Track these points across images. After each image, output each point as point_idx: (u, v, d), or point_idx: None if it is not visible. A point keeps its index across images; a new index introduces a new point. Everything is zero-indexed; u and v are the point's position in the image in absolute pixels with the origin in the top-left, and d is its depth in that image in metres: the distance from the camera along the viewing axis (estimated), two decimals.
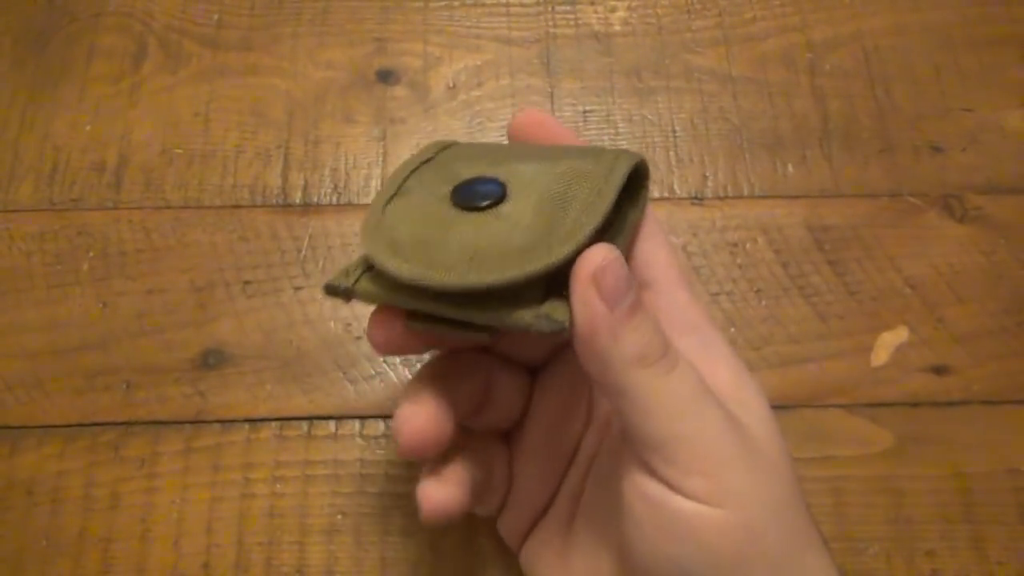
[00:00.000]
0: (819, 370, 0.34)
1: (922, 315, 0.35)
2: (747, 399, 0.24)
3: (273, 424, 0.33)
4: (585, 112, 0.39)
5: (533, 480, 0.27)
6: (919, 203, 0.37)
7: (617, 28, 0.41)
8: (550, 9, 0.42)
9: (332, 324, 0.35)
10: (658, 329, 0.22)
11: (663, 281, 0.25)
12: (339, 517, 0.31)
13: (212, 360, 0.34)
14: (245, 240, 0.36)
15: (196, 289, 0.35)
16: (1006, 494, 0.32)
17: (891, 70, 0.40)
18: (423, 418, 0.23)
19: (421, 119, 0.39)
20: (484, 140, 0.38)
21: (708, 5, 0.42)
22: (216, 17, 0.41)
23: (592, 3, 0.42)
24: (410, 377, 0.30)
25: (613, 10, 0.42)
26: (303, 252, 0.36)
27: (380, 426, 0.33)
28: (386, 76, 0.40)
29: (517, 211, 0.23)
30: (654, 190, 0.37)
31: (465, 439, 0.26)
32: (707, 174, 0.38)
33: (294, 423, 0.33)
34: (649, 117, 0.39)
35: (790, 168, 0.38)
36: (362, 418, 0.33)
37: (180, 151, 0.38)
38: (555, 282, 0.22)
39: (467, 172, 0.25)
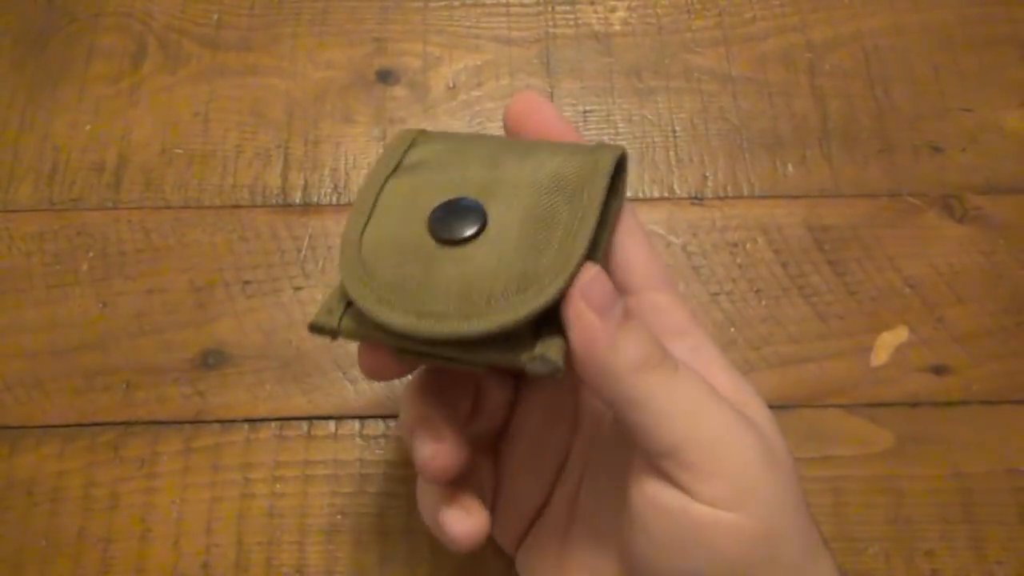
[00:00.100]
0: (819, 370, 0.34)
1: (922, 315, 0.35)
2: (748, 401, 0.24)
3: (273, 424, 0.33)
4: (585, 112, 0.39)
5: (522, 485, 0.27)
6: (919, 203, 0.37)
7: (617, 28, 0.41)
8: (550, 9, 0.42)
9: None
10: (654, 337, 0.22)
11: (644, 285, 0.25)
12: (339, 517, 0.31)
13: (212, 360, 0.34)
14: (245, 240, 0.36)
15: (196, 289, 0.35)
16: (1005, 494, 0.32)
17: (891, 70, 0.40)
18: (446, 454, 0.23)
19: (421, 119, 0.39)
20: None
21: (708, 5, 0.42)
22: (216, 17, 0.41)
23: (592, 3, 0.42)
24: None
25: (613, 10, 0.42)
26: (303, 252, 0.36)
27: (380, 426, 0.33)
28: (386, 76, 0.40)
29: (500, 237, 0.22)
30: (654, 190, 0.37)
31: None
32: (707, 174, 0.38)
33: (294, 423, 0.33)
34: (649, 117, 0.39)
35: (790, 168, 0.38)
36: (362, 418, 0.33)
37: (180, 151, 0.38)
38: (545, 313, 0.21)
39: (441, 189, 0.24)
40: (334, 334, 0.23)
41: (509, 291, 0.21)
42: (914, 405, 0.33)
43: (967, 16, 0.41)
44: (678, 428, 0.21)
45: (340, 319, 0.23)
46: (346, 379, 0.34)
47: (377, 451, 0.32)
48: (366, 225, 0.24)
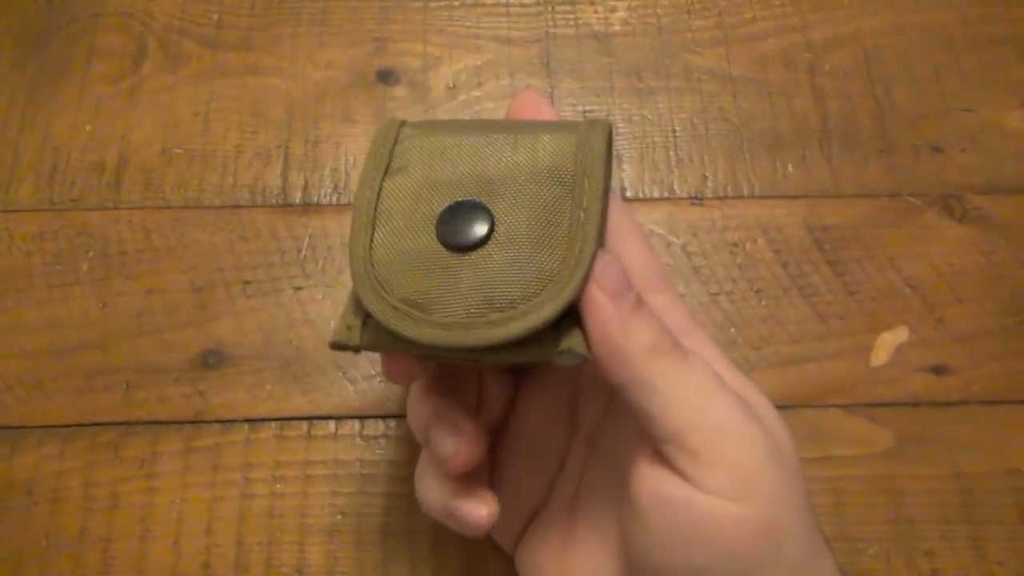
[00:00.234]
0: (819, 370, 0.34)
1: (922, 315, 0.35)
2: (754, 398, 0.24)
3: (273, 424, 0.33)
4: (585, 112, 0.39)
5: (520, 483, 0.27)
6: (919, 203, 0.37)
7: (617, 28, 0.41)
8: (550, 9, 0.42)
9: (332, 324, 0.35)
10: (666, 326, 0.22)
11: (642, 286, 0.25)
12: (339, 517, 0.31)
13: (212, 360, 0.34)
14: (245, 240, 0.36)
15: (196, 289, 0.35)
16: (1006, 494, 0.32)
17: (891, 70, 0.40)
18: (468, 447, 0.24)
19: (421, 119, 0.39)
20: None
21: (708, 5, 0.42)
22: (216, 17, 0.41)
23: (592, 3, 0.42)
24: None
25: (613, 10, 0.42)
26: (303, 252, 0.36)
27: (380, 426, 0.33)
28: (386, 76, 0.40)
29: (510, 238, 0.22)
30: (654, 190, 0.37)
31: None
32: (707, 174, 0.38)
33: (294, 423, 0.33)
34: (649, 117, 0.39)
35: (790, 168, 0.38)
36: (362, 418, 0.33)
37: (180, 151, 0.38)
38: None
39: (442, 190, 0.24)
40: (357, 349, 0.23)
41: (529, 293, 0.21)
42: (914, 405, 0.33)
43: (968, 16, 0.41)
44: (686, 413, 0.21)
45: (361, 334, 0.23)
46: (346, 379, 0.34)
47: (377, 451, 0.32)
48: (372, 235, 0.24)
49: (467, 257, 0.22)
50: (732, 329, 0.34)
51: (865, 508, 0.31)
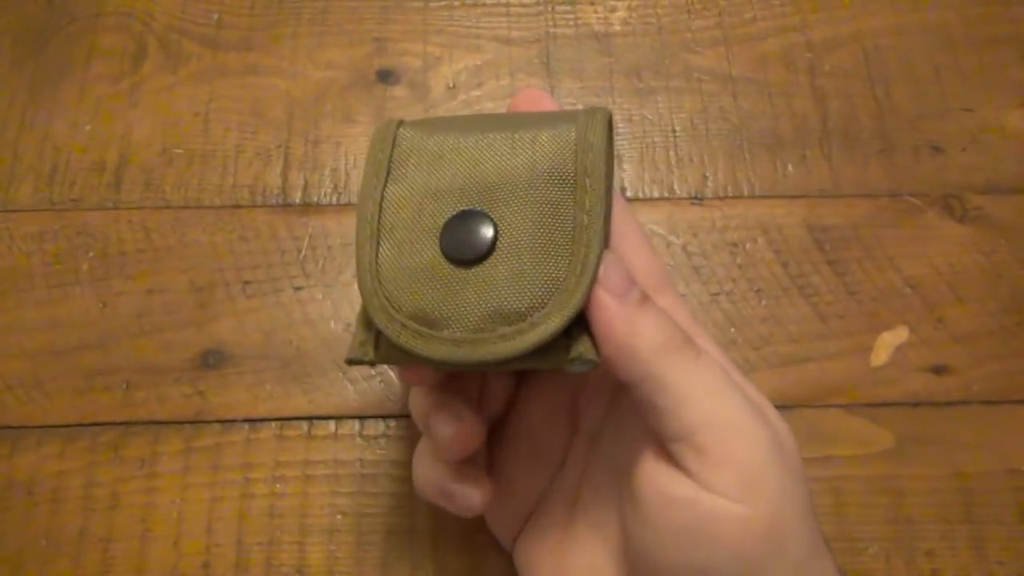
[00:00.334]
0: (819, 370, 0.34)
1: (922, 315, 0.35)
2: (756, 398, 0.24)
3: (273, 424, 0.33)
4: None
5: (518, 479, 0.27)
6: (919, 203, 0.37)
7: (617, 28, 0.41)
8: (550, 9, 0.42)
9: (332, 324, 0.35)
10: (674, 321, 0.22)
11: (644, 287, 0.25)
12: (339, 517, 0.31)
13: (212, 360, 0.34)
14: (245, 240, 0.36)
15: (196, 289, 0.35)
16: (1006, 494, 0.32)
17: (891, 70, 0.40)
18: (465, 434, 0.24)
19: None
20: None
21: (708, 5, 0.42)
22: (216, 17, 0.41)
23: (592, 3, 0.42)
24: None
25: (613, 10, 0.42)
26: (303, 252, 0.36)
27: (380, 426, 0.33)
28: (386, 76, 0.40)
29: (514, 248, 0.22)
30: (654, 190, 0.37)
31: None
32: (707, 174, 0.38)
33: (294, 423, 0.33)
34: (649, 117, 0.39)
35: (790, 168, 0.38)
36: (362, 418, 0.33)
37: (180, 151, 0.38)
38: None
39: (444, 200, 0.23)
40: (372, 363, 0.24)
41: (536, 304, 0.21)
42: (914, 405, 0.33)
43: (968, 16, 0.41)
44: (696, 411, 0.21)
45: (374, 349, 0.23)
46: (346, 379, 0.34)
47: (377, 451, 0.32)
48: (378, 250, 0.24)
49: (471, 272, 0.22)
50: (732, 329, 0.34)
51: (865, 508, 0.31)
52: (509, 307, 0.22)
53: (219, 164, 0.38)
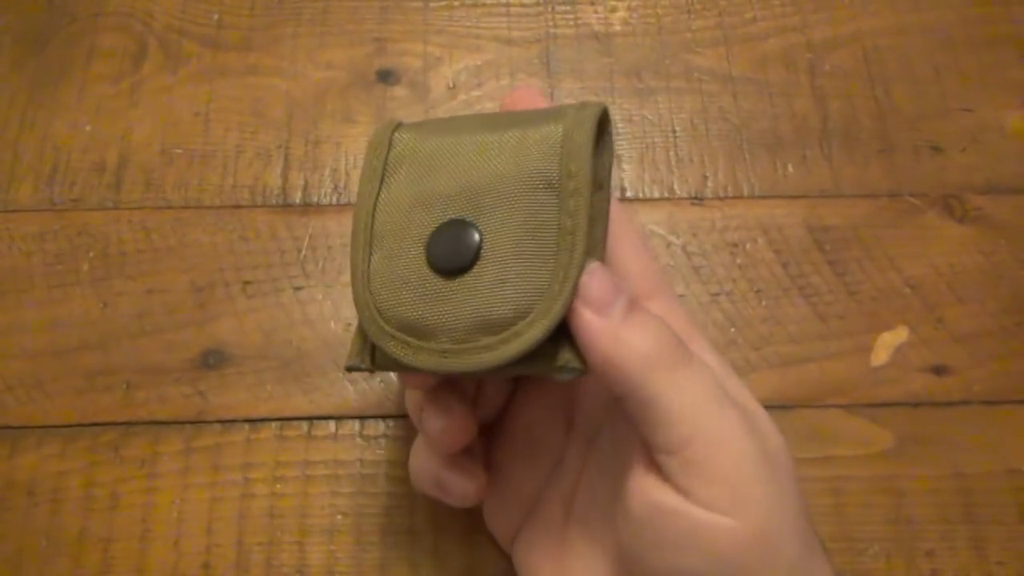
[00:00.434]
0: (819, 370, 0.34)
1: (922, 315, 0.35)
2: (751, 406, 0.24)
3: (273, 424, 0.33)
4: None
5: (515, 475, 0.28)
6: (919, 203, 0.37)
7: (617, 28, 0.41)
8: (550, 9, 0.42)
9: (332, 324, 0.35)
10: (667, 327, 0.22)
11: (640, 293, 0.25)
12: (339, 517, 0.31)
13: (212, 360, 0.34)
14: (245, 240, 0.36)
15: (196, 289, 0.35)
16: (1006, 494, 0.32)
17: (891, 70, 0.40)
18: (456, 427, 0.25)
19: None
20: None
21: (708, 5, 0.42)
22: (216, 17, 0.41)
23: (592, 3, 0.42)
24: None
25: (613, 10, 0.42)
26: (303, 252, 0.36)
27: (380, 426, 0.33)
28: (386, 76, 0.40)
29: (498, 256, 0.22)
30: (654, 190, 0.37)
31: None
32: (707, 174, 0.38)
33: (294, 423, 0.33)
34: (649, 117, 0.39)
35: (790, 168, 0.38)
36: (362, 418, 0.33)
37: (180, 151, 0.38)
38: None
39: (432, 208, 0.23)
40: (370, 371, 0.24)
41: (521, 312, 0.21)
42: (914, 405, 0.33)
43: (968, 16, 0.41)
44: (684, 426, 0.21)
45: (371, 357, 0.24)
46: (346, 379, 0.34)
47: (377, 451, 0.32)
48: (370, 259, 0.24)
49: (457, 282, 0.22)
50: (732, 329, 0.34)
51: (865, 508, 0.31)
52: (494, 316, 0.22)
53: (219, 164, 0.38)
